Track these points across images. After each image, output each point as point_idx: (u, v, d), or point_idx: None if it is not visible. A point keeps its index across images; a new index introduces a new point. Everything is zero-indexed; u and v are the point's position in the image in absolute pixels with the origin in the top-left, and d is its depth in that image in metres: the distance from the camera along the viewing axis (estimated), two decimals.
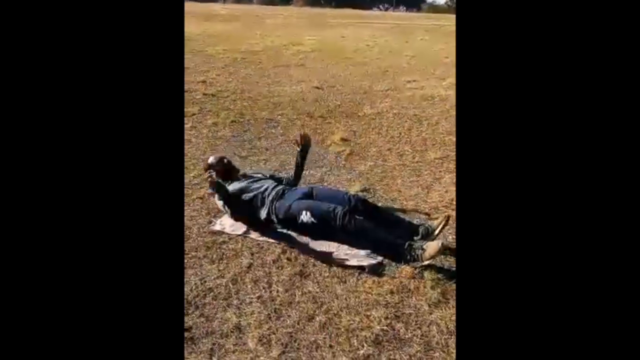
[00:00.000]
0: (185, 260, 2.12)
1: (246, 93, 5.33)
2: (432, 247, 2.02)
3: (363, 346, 1.64)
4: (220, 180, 2.38)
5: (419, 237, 2.25)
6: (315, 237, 2.28)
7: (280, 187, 2.45)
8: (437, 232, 2.22)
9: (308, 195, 2.39)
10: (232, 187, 2.44)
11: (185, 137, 3.81)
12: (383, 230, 2.23)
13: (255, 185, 2.45)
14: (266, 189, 2.41)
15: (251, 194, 2.40)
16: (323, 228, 2.22)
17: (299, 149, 2.62)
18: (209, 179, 2.25)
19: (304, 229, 2.29)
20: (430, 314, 1.81)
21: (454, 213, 2.59)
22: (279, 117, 4.48)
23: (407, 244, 2.10)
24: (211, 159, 2.61)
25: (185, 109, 4.55)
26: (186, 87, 5.39)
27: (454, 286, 1.97)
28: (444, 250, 2.04)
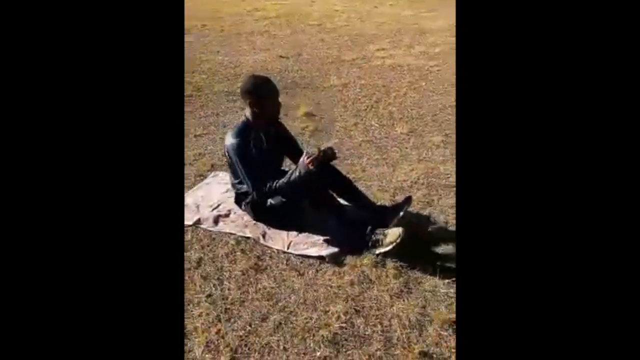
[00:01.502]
0: None
1: (205, 64, 4.99)
2: (392, 233, 1.91)
3: (320, 347, 1.53)
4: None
5: (379, 219, 2.12)
6: (275, 224, 2.13)
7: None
8: (400, 214, 2.10)
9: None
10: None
11: None
12: (344, 209, 2.10)
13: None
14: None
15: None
16: (292, 203, 2.05)
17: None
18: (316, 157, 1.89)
19: (271, 212, 2.10)
20: (392, 306, 1.72)
21: (419, 193, 2.49)
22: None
23: (368, 229, 1.97)
24: None
25: None
26: None
27: (417, 274, 1.88)
28: (404, 236, 1.92)
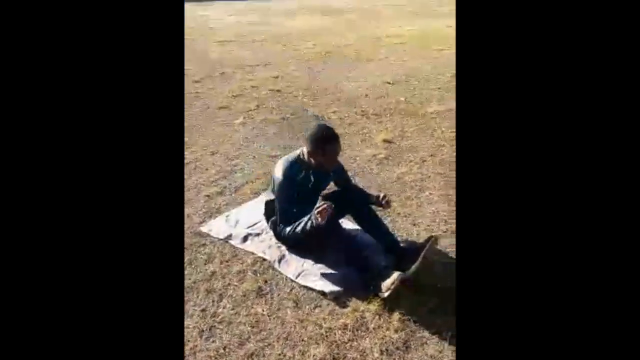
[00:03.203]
0: None
1: (312, 89, 5.24)
2: (389, 279, 1.71)
3: None
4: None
5: (395, 258, 1.91)
6: (293, 250, 2.09)
7: None
8: (421, 255, 1.82)
9: None
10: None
11: (229, 133, 3.88)
12: (358, 244, 1.94)
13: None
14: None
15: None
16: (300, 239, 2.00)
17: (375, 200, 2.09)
18: (327, 210, 1.78)
19: (289, 239, 2.08)
20: None
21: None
22: (331, 114, 4.29)
23: (369, 273, 1.79)
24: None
25: (243, 105, 4.66)
26: (255, 82, 5.52)
27: (423, 333, 1.61)
28: (403, 282, 1.70)
